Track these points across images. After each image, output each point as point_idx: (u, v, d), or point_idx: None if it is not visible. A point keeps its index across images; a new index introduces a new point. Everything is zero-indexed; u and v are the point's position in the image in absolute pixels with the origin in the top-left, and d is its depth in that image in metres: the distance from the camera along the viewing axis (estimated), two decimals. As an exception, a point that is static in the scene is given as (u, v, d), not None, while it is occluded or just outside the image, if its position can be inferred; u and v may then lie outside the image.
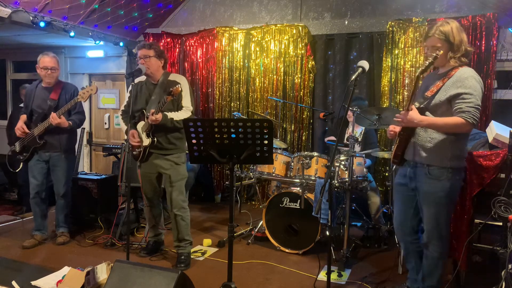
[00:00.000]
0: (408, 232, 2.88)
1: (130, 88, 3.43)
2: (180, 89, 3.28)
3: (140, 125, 3.56)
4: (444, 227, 2.69)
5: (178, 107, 3.52)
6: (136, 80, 3.63)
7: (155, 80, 3.59)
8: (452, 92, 2.49)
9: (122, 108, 3.75)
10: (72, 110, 4.04)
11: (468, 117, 2.43)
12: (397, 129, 2.79)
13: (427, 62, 2.45)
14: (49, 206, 4.28)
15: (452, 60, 2.55)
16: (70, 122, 3.97)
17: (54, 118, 3.83)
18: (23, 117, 4.08)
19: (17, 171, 4.18)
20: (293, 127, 5.58)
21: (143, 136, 3.54)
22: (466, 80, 2.47)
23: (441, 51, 2.49)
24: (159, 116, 3.33)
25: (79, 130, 4.60)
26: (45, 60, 4.00)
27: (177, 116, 3.44)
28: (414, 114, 2.51)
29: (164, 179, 3.67)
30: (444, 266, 2.85)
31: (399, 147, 2.75)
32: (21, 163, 4.09)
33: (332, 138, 4.64)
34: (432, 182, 2.60)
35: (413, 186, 2.74)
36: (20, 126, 4.00)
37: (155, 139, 3.49)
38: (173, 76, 3.61)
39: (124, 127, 3.65)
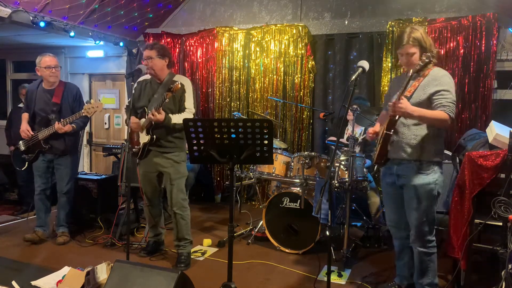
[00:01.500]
0: (403, 228, 2.95)
1: (135, 85, 3.45)
2: (179, 85, 3.27)
3: (141, 122, 3.56)
4: (431, 220, 2.79)
5: (180, 108, 3.53)
6: (142, 78, 3.68)
7: (160, 79, 3.60)
8: (432, 90, 2.65)
9: (126, 103, 3.78)
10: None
11: (449, 111, 2.60)
12: (377, 128, 2.92)
13: (421, 63, 2.54)
14: (51, 205, 4.29)
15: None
16: (74, 125, 3.97)
17: (60, 129, 3.87)
18: (25, 116, 4.07)
19: (22, 169, 4.18)
20: (293, 127, 5.58)
21: (143, 133, 3.54)
22: (442, 78, 2.66)
23: (434, 54, 2.63)
24: (162, 117, 3.33)
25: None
26: (47, 60, 3.98)
27: (179, 119, 3.42)
28: (407, 103, 2.60)
29: (164, 178, 3.67)
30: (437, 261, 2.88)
31: (383, 147, 2.82)
32: (27, 163, 4.10)
33: (333, 138, 4.64)
34: (421, 176, 2.72)
35: (400, 184, 2.82)
36: (25, 128, 3.99)
37: (154, 136, 3.49)
38: (178, 77, 3.62)
39: (125, 118, 3.67)
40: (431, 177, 2.72)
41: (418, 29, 2.73)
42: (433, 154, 2.72)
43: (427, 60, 2.51)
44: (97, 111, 3.90)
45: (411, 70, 2.60)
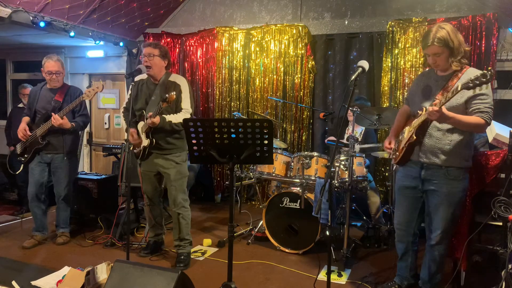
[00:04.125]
0: (411, 233, 2.94)
1: (131, 86, 3.44)
2: (174, 96, 3.25)
3: (140, 125, 3.57)
4: (454, 226, 2.78)
5: (177, 109, 3.52)
6: (138, 78, 3.65)
7: (157, 79, 3.59)
8: (470, 94, 2.49)
9: (124, 105, 3.75)
10: (77, 113, 4.04)
11: (486, 117, 2.50)
12: (392, 144, 2.88)
13: (472, 83, 2.28)
14: (49, 206, 4.28)
15: (454, 64, 2.57)
16: (73, 123, 3.95)
17: (56, 119, 3.80)
18: (26, 119, 4.06)
19: (17, 173, 4.16)
20: (293, 127, 5.58)
21: (143, 136, 3.54)
22: None
23: (492, 70, 2.38)
24: (157, 120, 3.33)
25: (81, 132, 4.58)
26: (49, 65, 3.98)
27: (176, 118, 3.43)
28: (444, 109, 2.46)
29: (164, 179, 3.67)
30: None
31: (408, 151, 2.74)
32: (22, 165, 4.06)
33: (332, 138, 4.64)
34: (452, 182, 2.66)
35: (426, 189, 2.76)
36: (23, 128, 3.96)
37: (154, 140, 3.49)
38: (174, 77, 3.61)
39: (124, 125, 3.66)
40: (462, 184, 2.68)
41: (445, 27, 2.52)
42: (465, 160, 2.66)
43: (483, 79, 2.24)
44: (98, 92, 3.84)
45: (459, 85, 2.35)
